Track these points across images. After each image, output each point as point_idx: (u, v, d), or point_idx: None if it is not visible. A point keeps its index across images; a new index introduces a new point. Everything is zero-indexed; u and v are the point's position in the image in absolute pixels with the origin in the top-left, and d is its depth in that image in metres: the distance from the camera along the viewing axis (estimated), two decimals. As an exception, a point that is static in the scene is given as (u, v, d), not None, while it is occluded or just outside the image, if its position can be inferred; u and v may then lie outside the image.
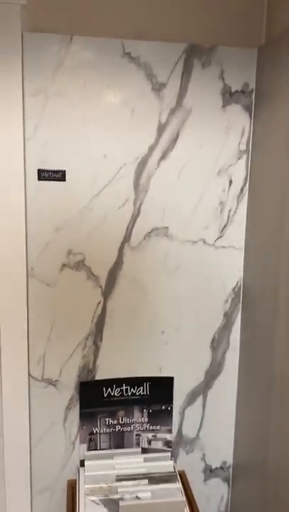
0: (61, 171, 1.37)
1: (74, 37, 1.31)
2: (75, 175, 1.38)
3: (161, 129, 1.39)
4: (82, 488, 1.38)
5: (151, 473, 1.39)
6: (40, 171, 1.36)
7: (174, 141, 1.41)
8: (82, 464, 1.49)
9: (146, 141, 1.39)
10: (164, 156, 1.41)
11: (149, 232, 1.44)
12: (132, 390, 1.50)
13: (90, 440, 1.51)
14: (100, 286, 1.45)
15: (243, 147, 1.44)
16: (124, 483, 1.35)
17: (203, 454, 1.62)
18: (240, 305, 1.53)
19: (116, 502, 1.29)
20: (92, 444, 1.51)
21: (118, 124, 1.37)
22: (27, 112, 1.33)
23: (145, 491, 1.32)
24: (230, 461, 1.64)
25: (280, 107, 1.25)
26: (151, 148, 1.40)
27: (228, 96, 1.41)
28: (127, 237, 1.44)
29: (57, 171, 1.37)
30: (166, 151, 1.40)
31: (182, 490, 1.36)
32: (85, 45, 1.32)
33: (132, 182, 1.40)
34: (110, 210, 1.41)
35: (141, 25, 1.35)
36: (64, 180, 1.38)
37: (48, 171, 1.37)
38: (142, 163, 1.40)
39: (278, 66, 1.27)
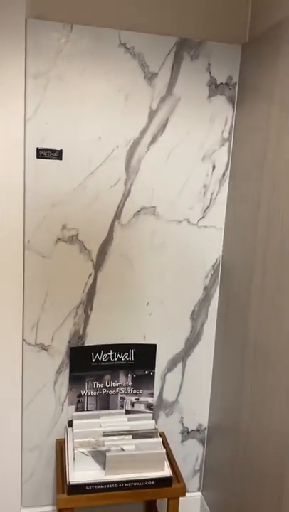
0: (58, 150, 1.48)
1: (74, 25, 1.41)
2: (71, 154, 1.48)
3: (152, 114, 1.51)
4: (71, 443, 1.51)
5: (135, 430, 1.53)
6: (38, 150, 1.47)
7: (164, 126, 1.53)
8: (70, 424, 1.62)
9: (138, 126, 1.51)
10: (153, 140, 1.53)
11: (138, 211, 1.56)
12: (119, 355, 1.63)
13: (78, 402, 1.64)
14: (92, 260, 1.57)
15: (226, 135, 1.57)
16: (110, 437, 1.48)
17: (181, 417, 1.76)
18: (219, 280, 1.67)
19: (103, 453, 1.42)
20: (79, 406, 1.64)
21: (112, 109, 1.48)
22: (28, 93, 1.42)
23: (129, 444, 1.45)
24: (205, 423, 1.79)
25: (260, 100, 1.39)
26: (143, 133, 1.52)
27: (214, 87, 1.54)
28: (117, 215, 1.56)
29: (54, 150, 1.48)
30: (156, 136, 1.53)
31: (162, 444, 1.50)
32: (84, 33, 1.42)
33: (123, 163, 1.52)
34: (103, 188, 1.53)
35: (136, 17, 1.46)
36: (61, 159, 1.48)
37: (46, 150, 1.47)
38: (134, 146, 1.52)
39: (260, 62, 1.41)
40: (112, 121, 1.49)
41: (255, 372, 1.40)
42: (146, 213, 1.57)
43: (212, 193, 1.60)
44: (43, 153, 1.47)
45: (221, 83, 1.54)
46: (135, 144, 1.52)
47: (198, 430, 1.79)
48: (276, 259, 1.26)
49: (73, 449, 1.45)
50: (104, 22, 1.44)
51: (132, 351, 1.64)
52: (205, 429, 1.80)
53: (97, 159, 1.50)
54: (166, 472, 1.45)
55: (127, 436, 1.50)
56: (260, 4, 1.46)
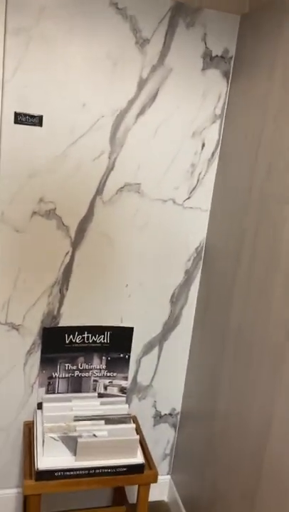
0: (38, 116, 1.36)
1: (62, -22, 1.28)
2: (52, 122, 1.37)
3: (141, 84, 1.41)
4: (40, 427, 1.45)
5: (107, 415, 1.48)
6: (17, 114, 1.35)
7: (153, 98, 1.43)
8: (39, 406, 1.55)
9: (126, 95, 1.41)
10: (142, 111, 1.43)
11: (121, 187, 1.48)
12: (94, 337, 1.57)
13: (49, 384, 1.57)
14: (70, 237, 1.48)
15: (218, 112, 1.49)
16: (81, 422, 1.43)
17: (155, 401, 1.73)
18: (201, 264, 1.62)
19: (74, 439, 1.36)
20: (50, 388, 1.57)
21: (99, 75, 1.37)
22: (7, 52, 1.29)
23: (102, 430, 1.40)
24: (178, 408, 1.76)
25: (258, 76, 1.31)
26: (131, 103, 1.41)
27: (209, 60, 1.45)
28: (99, 190, 1.46)
29: (34, 116, 1.36)
30: (144, 107, 1.43)
31: (135, 430, 1.45)
32: (72, -12, 1.29)
33: (108, 134, 1.42)
34: (85, 161, 1.43)
35: (131, -25, 1.34)
36: (41, 125, 1.37)
37: (25, 115, 1.35)
38: (120, 117, 1.42)
39: (258, 36, 1.32)
40: (98, 88, 1.38)
41: (236, 360, 1.36)
42: (130, 190, 1.48)
43: (200, 173, 1.53)
44: (21, 119, 1.35)
45: (217, 55, 1.45)
46: (122, 114, 1.42)
47: (170, 414, 1.76)
48: (267, 248, 1.21)
49: (43, 434, 1.39)
50: (96, -23, 1.31)
51: (107, 333, 1.58)
52: (178, 413, 1.77)
53: (80, 128, 1.40)
54: (139, 459, 1.41)
55: (99, 422, 1.45)
56: (264, -28, 1.36)
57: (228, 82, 1.48)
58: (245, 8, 1.43)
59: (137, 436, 1.42)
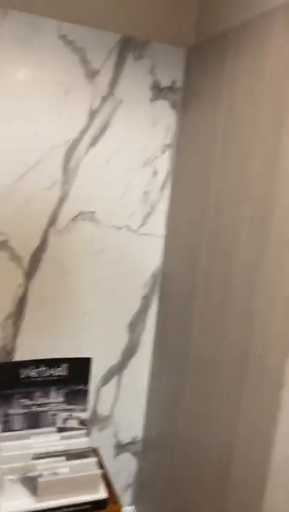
0: (-12, 147, 1.33)
1: (10, 11, 1.27)
2: (2, 151, 1.35)
3: (92, 114, 1.42)
4: (-2, 468, 1.38)
5: (68, 450, 1.43)
6: None
7: (105, 128, 1.44)
8: (-5, 446, 1.48)
9: (78, 126, 1.41)
10: (93, 142, 1.44)
11: (76, 216, 1.47)
12: (51, 370, 1.52)
13: (5, 422, 1.50)
14: (22, 268, 1.44)
15: (168, 141, 1.53)
16: (41, 460, 1.37)
17: (116, 431, 1.70)
18: (158, 289, 1.63)
19: (34, 479, 1.31)
20: (6, 426, 1.50)
21: (50, 105, 1.37)
22: None
23: (63, 467, 1.36)
24: (140, 435, 1.74)
25: (205, 107, 1.36)
26: (82, 133, 1.42)
27: (157, 91, 1.48)
28: (53, 220, 1.45)
29: (-17, 147, 1.33)
30: (96, 138, 1.44)
31: (98, 464, 1.42)
32: (20, 20, 1.29)
33: (61, 164, 1.41)
34: (37, 191, 1.41)
35: (80, 10, 1.35)
36: (-10, 156, 1.34)
37: (-27, 146, 1.32)
38: (73, 146, 1.41)
39: (204, 68, 1.37)
40: (50, 119, 1.37)
41: (196, 384, 1.37)
42: (85, 219, 1.48)
43: (153, 200, 1.55)
44: None
45: (165, 87, 1.49)
46: (74, 144, 1.42)
47: (132, 443, 1.74)
48: (221, 271, 1.24)
49: (1, 476, 1.32)
50: (45, 11, 1.32)
51: (65, 366, 1.54)
52: (139, 441, 1.75)
53: (32, 158, 1.38)
54: (102, 494, 1.37)
55: (60, 458, 1.40)
56: (207, 10, 1.43)
57: (176, 113, 1.52)
58: (191, 41, 1.49)
59: (99, 471, 1.38)
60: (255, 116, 1.11)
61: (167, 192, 1.56)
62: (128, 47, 1.42)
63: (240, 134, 1.17)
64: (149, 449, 1.70)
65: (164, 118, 1.51)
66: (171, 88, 1.50)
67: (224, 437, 1.20)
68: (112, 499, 1.40)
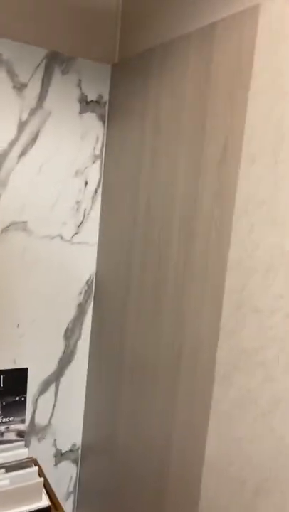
0: None
1: None
2: None
3: (21, 126, 1.44)
4: None
5: (7, 463, 1.42)
6: None
7: (34, 139, 1.47)
8: None
9: (7, 137, 1.42)
10: (24, 152, 1.45)
11: (7, 227, 1.47)
12: (-14, 383, 1.50)
13: None
14: None
15: (97, 152, 1.58)
16: (-20, 475, 1.35)
17: (55, 440, 1.70)
18: (93, 297, 1.67)
19: (-27, 494, 1.28)
20: None
21: (-22, 117, 1.37)
22: None
23: (3, 479, 1.34)
24: (79, 443, 1.76)
25: (131, 121, 1.43)
26: (12, 144, 1.43)
27: (85, 104, 1.54)
28: (-16, 231, 1.44)
29: None
30: (26, 148, 1.45)
31: (38, 473, 1.42)
32: None
33: (-9, 176, 1.42)
34: None
35: (7, 25, 1.37)
36: None
37: None
38: (2, 158, 1.42)
39: (130, 84, 1.45)
40: (-22, 130, 1.38)
41: (133, 387, 1.42)
42: (17, 229, 1.48)
43: (85, 209, 1.59)
44: None
45: (92, 100, 1.55)
46: (3, 155, 1.42)
47: (71, 450, 1.75)
48: (152, 277, 1.31)
49: None
50: None
51: (0, 377, 1.52)
52: (78, 448, 1.76)
53: None
54: (44, 502, 1.37)
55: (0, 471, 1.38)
56: (129, 30, 1.51)
57: (104, 125, 1.58)
58: (115, 58, 1.56)
59: (41, 479, 1.39)
60: (178, 131, 1.20)
61: (98, 201, 1.61)
62: (55, 62, 1.46)
63: (166, 146, 1.26)
64: (88, 456, 1.72)
65: (93, 130, 1.56)
66: (98, 102, 1.56)
67: (161, 437, 1.27)
68: (55, 506, 1.40)
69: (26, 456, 1.48)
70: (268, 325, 0.92)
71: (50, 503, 1.38)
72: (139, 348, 1.38)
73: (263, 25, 0.95)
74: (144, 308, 1.36)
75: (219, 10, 1.09)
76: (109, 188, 1.57)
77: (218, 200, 1.06)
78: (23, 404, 1.58)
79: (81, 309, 1.65)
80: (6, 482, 1.34)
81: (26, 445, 1.60)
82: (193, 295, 1.14)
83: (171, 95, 1.24)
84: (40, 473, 1.49)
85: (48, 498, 1.40)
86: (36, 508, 1.34)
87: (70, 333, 1.65)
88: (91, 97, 1.54)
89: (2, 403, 1.54)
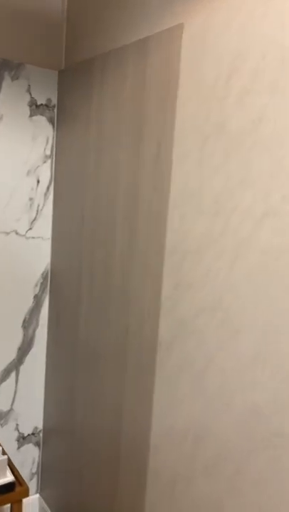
0: None
1: None
2: None
3: (-25, 129, 1.53)
4: None
5: (-28, 445, 1.51)
6: None
7: (-13, 141, 1.56)
8: None
9: None
10: (-23, 154, 1.55)
11: None
12: None
13: None
14: None
15: (48, 152, 1.70)
16: None
17: (17, 424, 1.80)
18: (48, 288, 1.78)
19: None
20: None
21: None
22: None
23: None
24: (40, 426, 1.86)
25: (78, 123, 1.56)
26: None
27: (35, 108, 1.65)
28: None
29: None
30: (-20, 150, 1.55)
31: (1, 452, 1.52)
32: None
33: None
34: None
35: None
36: None
37: None
38: None
39: (75, 90, 1.58)
40: None
41: (86, 371, 1.55)
42: (-27, 226, 1.58)
43: (38, 206, 1.70)
44: None
45: (41, 104, 1.66)
46: None
47: (33, 434, 1.85)
48: (101, 267, 1.45)
49: None
50: None
51: None
52: (40, 431, 1.87)
53: None
54: (9, 477, 1.48)
55: None
56: (73, 39, 1.63)
57: (54, 127, 1.70)
58: (62, 65, 1.69)
59: (5, 457, 1.49)
60: (119, 133, 1.34)
61: (50, 197, 1.73)
62: (5, 68, 1.56)
63: (109, 147, 1.40)
64: (50, 438, 1.83)
65: (43, 132, 1.68)
66: (47, 106, 1.67)
67: (113, 411, 1.41)
68: (19, 482, 1.51)
69: (-10, 439, 1.57)
70: (199, 297, 1.08)
71: (14, 479, 1.49)
72: (91, 335, 1.51)
73: (186, 40, 1.10)
74: (95, 296, 1.49)
75: (152, 26, 1.24)
76: (61, 186, 1.69)
77: (155, 193, 1.21)
78: (-15, 391, 1.67)
79: (38, 300, 1.76)
80: (-28, 461, 1.43)
81: (-11, 430, 1.70)
82: (137, 278, 1.29)
83: (112, 101, 1.37)
84: (4, 453, 1.59)
85: (11, 474, 1.51)
86: (1, 484, 1.45)
87: (28, 323, 1.76)
88: (40, 101, 1.66)
89: None
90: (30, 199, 1.68)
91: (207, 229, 1.06)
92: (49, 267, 1.77)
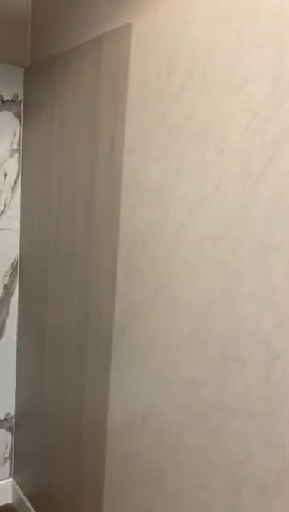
0: None
1: None
2: None
3: None
4: None
5: None
6: None
7: None
8: None
9: None
10: None
11: None
12: None
13: None
14: None
15: (14, 146, 1.75)
16: None
17: (-11, 410, 1.87)
18: (18, 278, 1.84)
19: None
20: None
21: None
22: None
23: None
24: (12, 412, 1.93)
25: (43, 118, 1.62)
26: None
27: (1, 103, 1.70)
28: None
29: None
30: None
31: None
32: None
33: None
34: None
35: None
36: None
37: None
38: None
39: (40, 86, 1.63)
40: None
41: (53, 357, 1.62)
42: None
43: (6, 199, 1.76)
44: None
45: (8, 100, 1.71)
46: None
47: (5, 420, 1.92)
48: (65, 256, 1.51)
49: None
50: None
51: None
52: (12, 417, 1.94)
53: None
54: (-23, 459, 1.55)
55: None
56: (37, 37, 1.69)
57: (20, 122, 1.75)
58: (27, 62, 1.74)
59: (-27, 439, 1.56)
60: (78, 128, 1.40)
61: (18, 190, 1.78)
62: None
63: (69, 141, 1.46)
64: (21, 424, 1.90)
65: (10, 126, 1.73)
66: (13, 101, 1.73)
67: (76, 392, 1.47)
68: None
69: None
70: (145, 282, 1.15)
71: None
72: (58, 320, 1.58)
73: (134, 39, 1.16)
74: (59, 284, 1.55)
75: (106, 25, 1.30)
76: (28, 179, 1.74)
77: (110, 185, 1.28)
78: None
79: (7, 290, 1.82)
80: None
81: None
82: (96, 266, 1.35)
83: (72, 97, 1.43)
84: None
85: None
86: None
87: (-2, 312, 1.82)
88: (7, 96, 1.71)
89: None
90: (-2, 192, 1.74)
91: (151, 218, 1.12)
92: (18, 258, 1.83)
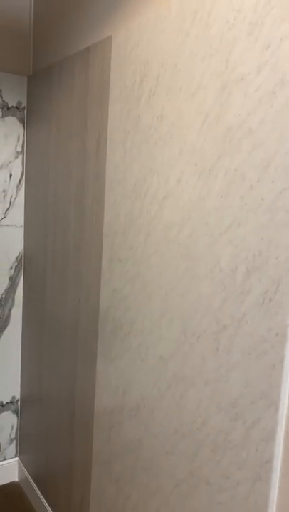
0: None
1: None
2: None
3: None
4: None
5: None
6: None
7: None
8: None
9: None
10: None
11: None
12: None
13: None
14: None
15: (19, 149, 1.90)
16: None
17: (-4, 393, 2.01)
18: (22, 270, 1.99)
19: None
20: None
21: None
22: None
23: None
24: (18, 396, 2.07)
25: (42, 122, 1.76)
26: None
27: (6, 109, 1.85)
28: None
29: None
30: None
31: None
32: None
33: None
34: None
35: None
36: None
37: None
38: None
39: (40, 93, 1.77)
40: None
41: (51, 343, 1.75)
42: None
43: (11, 197, 1.91)
44: None
45: (12, 106, 1.86)
46: None
47: (11, 402, 2.06)
48: (60, 248, 1.64)
49: None
50: None
51: None
52: (18, 400, 2.08)
53: None
54: (-18, 434, 1.69)
55: None
56: (38, 48, 1.83)
57: (24, 126, 1.90)
58: (30, 71, 1.88)
59: (-22, 416, 1.70)
60: (71, 130, 1.54)
61: (22, 189, 1.93)
62: (-22, 75, 1.77)
63: (64, 142, 1.59)
64: (26, 406, 2.04)
65: (15, 131, 1.88)
66: (17, 108, 1.87)
67: (69, 374, 1.60)
68: (-9, 439, 1.72)
69: None
70: (125, 270, 1.27)
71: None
72: (55, 308, 1.71)
73: (114, 50, 1.29)
74: (56, 274, 1.69)
75: (94, 36, 1.43)
76: (31, 179, 1.89)
77: (96, 181, 1.40)
78: None
79: (13, 281, 1.97)
80: None
81: None
82: (86, 256, 1.48)
83: (66, 102, 1.57)
84: (-19, 416, 1.81)
85: (-15, 432, 1.72)
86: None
87: (4, 302, 1.97)
88: (11, 103, 1.86)
89: None
90: (4, 191, 1.89)
91: (129, 211, 1.24)
92: (23, 252, 1.97)
